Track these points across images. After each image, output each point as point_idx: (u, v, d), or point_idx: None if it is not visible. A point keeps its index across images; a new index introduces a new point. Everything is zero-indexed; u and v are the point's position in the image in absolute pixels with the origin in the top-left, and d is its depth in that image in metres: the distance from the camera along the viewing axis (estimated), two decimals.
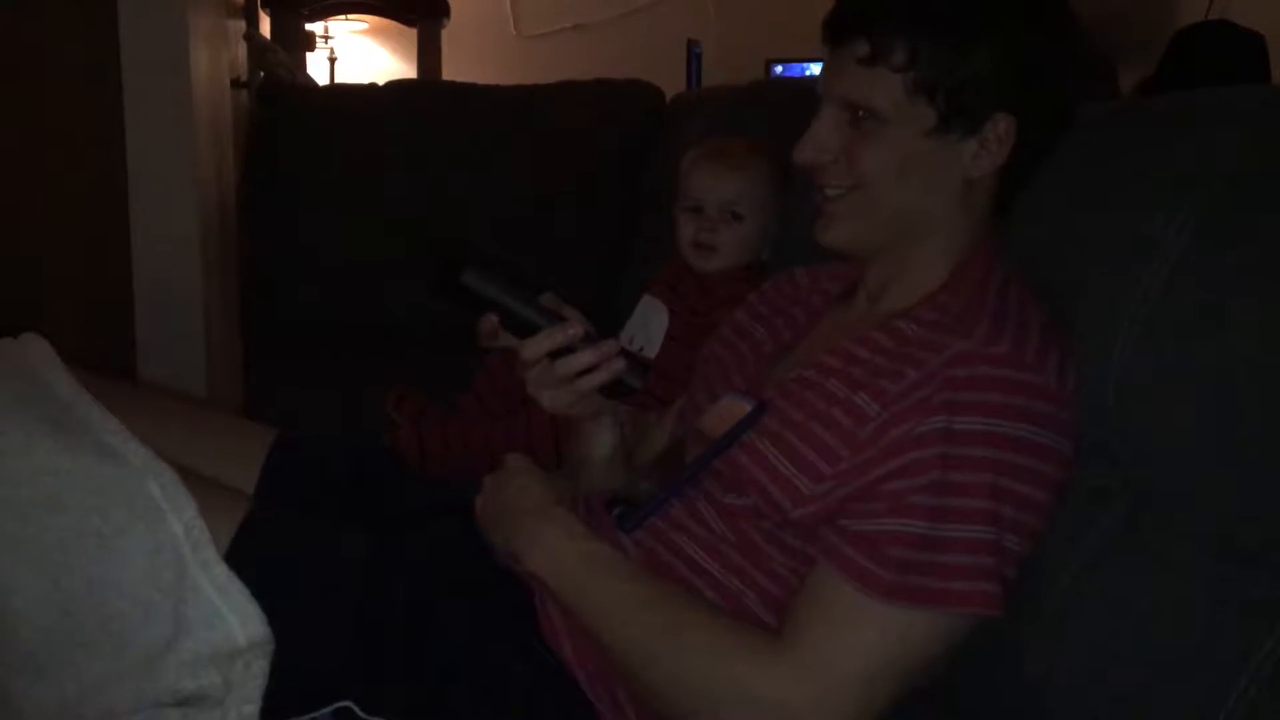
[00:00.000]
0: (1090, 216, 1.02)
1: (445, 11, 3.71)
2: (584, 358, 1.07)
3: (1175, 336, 0.88)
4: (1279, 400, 0.79)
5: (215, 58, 2.41)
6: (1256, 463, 0.80)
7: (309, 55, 3.90)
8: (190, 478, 0.99)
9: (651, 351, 1.66)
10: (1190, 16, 3.29)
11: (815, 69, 3.97)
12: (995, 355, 0.95)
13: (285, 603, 0.98)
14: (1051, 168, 1.09)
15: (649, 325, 1.71)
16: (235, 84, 2.68)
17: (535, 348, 1.07)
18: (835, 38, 1.04)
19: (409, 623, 1.03)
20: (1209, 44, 2.85)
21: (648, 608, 1.01)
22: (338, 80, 4.29)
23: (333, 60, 4.33)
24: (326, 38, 4.27)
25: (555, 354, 1.07)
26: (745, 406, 1.08)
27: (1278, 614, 0.78)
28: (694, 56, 3.68)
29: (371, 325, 2.15)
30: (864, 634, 0.93)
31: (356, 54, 4.48)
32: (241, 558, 0.98)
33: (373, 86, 2.30)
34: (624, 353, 1.09)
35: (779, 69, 4.11)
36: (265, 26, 3.26)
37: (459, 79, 2.71)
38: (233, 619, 0.95)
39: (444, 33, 3.80)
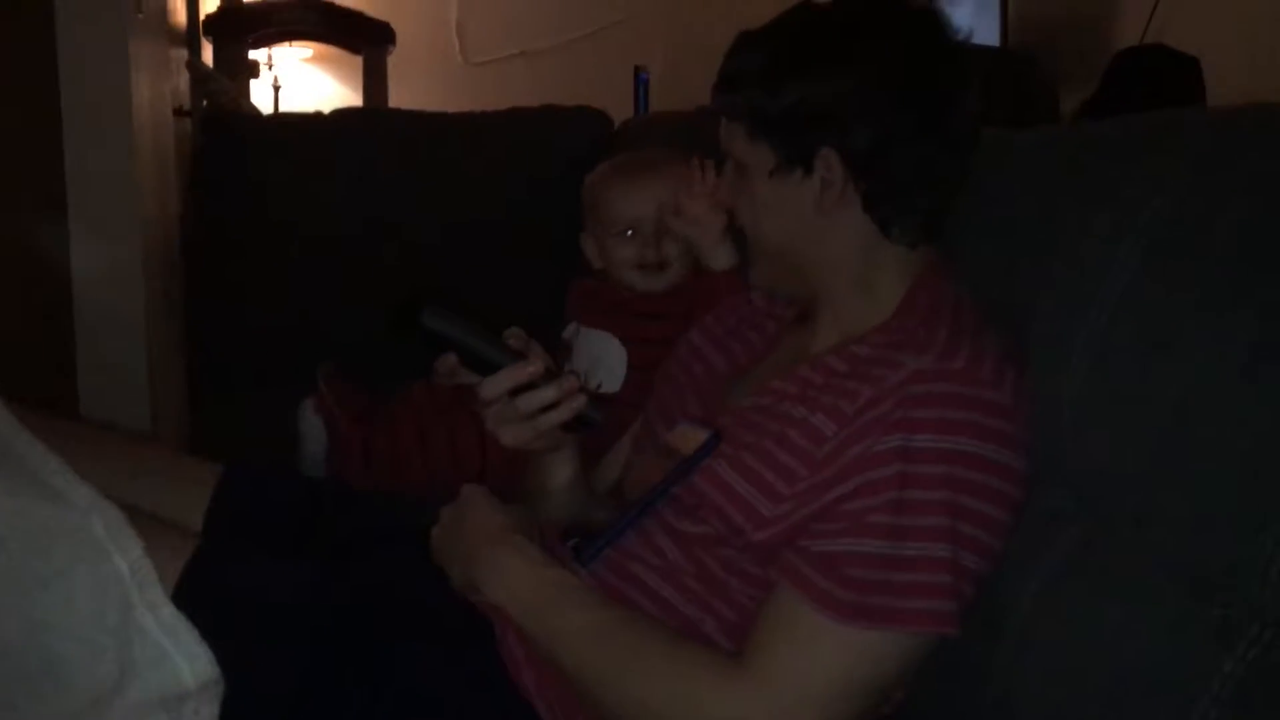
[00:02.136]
0: (1043, 238, 1.02)
1: (391, 38, 3.70)
2: (545, 394, 1.07)
3: (1128, 361, 0.88)
4: (1231, 424, 0.80)
5: (157, 86, 2.39)
6: (1211, 486, 0.81)
7: (252, 83, 3.86)
8: (135, 515, 0.97)
9: (615, 386, 1.60)
10: (1126, 39, 3.36)
11: None
12: (952, 372, 0.95)
13: (236, 643, 0.96)
14: (1003, 190, 1.10)
15: (604, 361, 1.64)
16: (178, 113, 2.66)
17: (494, 386, 1.07)
18: (712, 95, 1.14)
19: (365, 658, 1.01)
20: (1147, 66, 2.92)
21: (609, 634, 1.01)
22: (282, 108, 4.25)
23: (277, 88, 4.29)
24: (270, 65, 4.23)
25: (515, 391, 1.07)
26: (702, 435, 1.08)
27: (1237, 636, 0.79)
28: (641, 83, 3.69)
29: (319, 356, 2.12)
30: (824, 655, 0.93)
31: (301, 81, 4.44)
32: (189, 597, 0.96)
33: (319, 114, 2.28)
34: (584, 389, 1.09)
35: None
36: (208, 54, 3.23)
37: (405, 106, 2.70)
38: (181, 661, 0.93)
39: (389, 60, 3.78)
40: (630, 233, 1.60)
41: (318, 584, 1.05)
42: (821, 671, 0.93)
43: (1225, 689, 0.78)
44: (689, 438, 1.09)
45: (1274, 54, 3.02)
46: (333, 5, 3.66)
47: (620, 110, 2.36)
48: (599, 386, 1.61)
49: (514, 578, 1.04)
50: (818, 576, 0.94)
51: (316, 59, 4.40)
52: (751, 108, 1.08)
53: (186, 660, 0.93)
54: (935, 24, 1.07)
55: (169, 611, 0.94)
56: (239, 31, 3.31)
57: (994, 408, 0.96)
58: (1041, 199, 1.05)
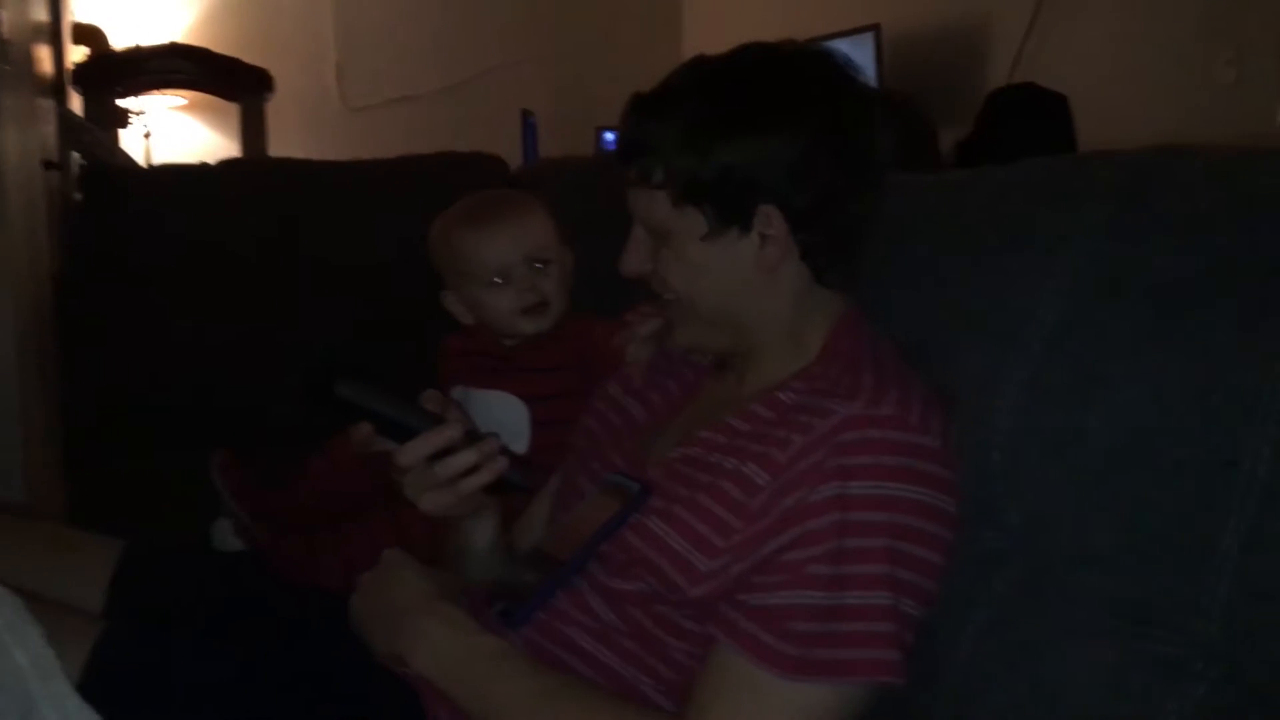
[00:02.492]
0: (964, 282, 1.04)
1: (269, 85, 3.63)
2: (465, 459, 1.04)
3: (1059, 399, 0.89)
4: (1163, 460, 0.81)
5: (25, 138, 2.28)
6: (1148, 524, 0.82)
7: (121, 132, 3.74)
8: (32, 602, 0.91)
9: (522, 447, 1.53)
10: (996, 79, 3.48)
11: None
12: (882, 418, 0.95)
13: None
14: (919, 234, 1.11)
15: (506, 423, 1.54)
16: (47, 165, 2.55)
17: (412, 454, 1.03)
18: (618, 163, 1.09)
19: None
20: (1020, 105, 3.02)
21: (544, 701, 0.98)
22: (154, 159, 4.13)
23: (147, 136, 4.17)
24: (140, 113, 4.11)
25: (434, 456, 1.03)
26: (629, 489, 1.06)
27: (1180, 672, 0.80)
28: (529, 126, 3.69)
29: (209, 419, 2.04)
30: (770, 712, 0.92)
31: (174, 130, 4.32)
32: (96, 687, 0.90)
33: (205, 166, 2.21)
34: (505, 450, 1.06)
35: (610, 136, 4.15)
36: (76, 104, 3.12)
37: (284, 154, 2.64)
38: None
39: (268, 106, 3.71)
40: (501, 280, 1.54)
41: (234, 666, 1.01)
42: None
43: None
44: (616, 492, 1.07)
45: (1135, 90, 3.17)
46: (208, 53, 3.59)
47: (506, 154, 2.34)
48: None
49: (442, 647, 1.01)
50: (758, 630, 0.92)
51: (190, 107, 4.29)
52: (677, 175, 1.03)
53: None
54: (846, 70, 1.07)
55: (74, 704, 0.88)
56: (109, 81, 3.21)
57: (924, 452, 0.96)
58: (960, 242, 1.06)
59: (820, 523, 0.93)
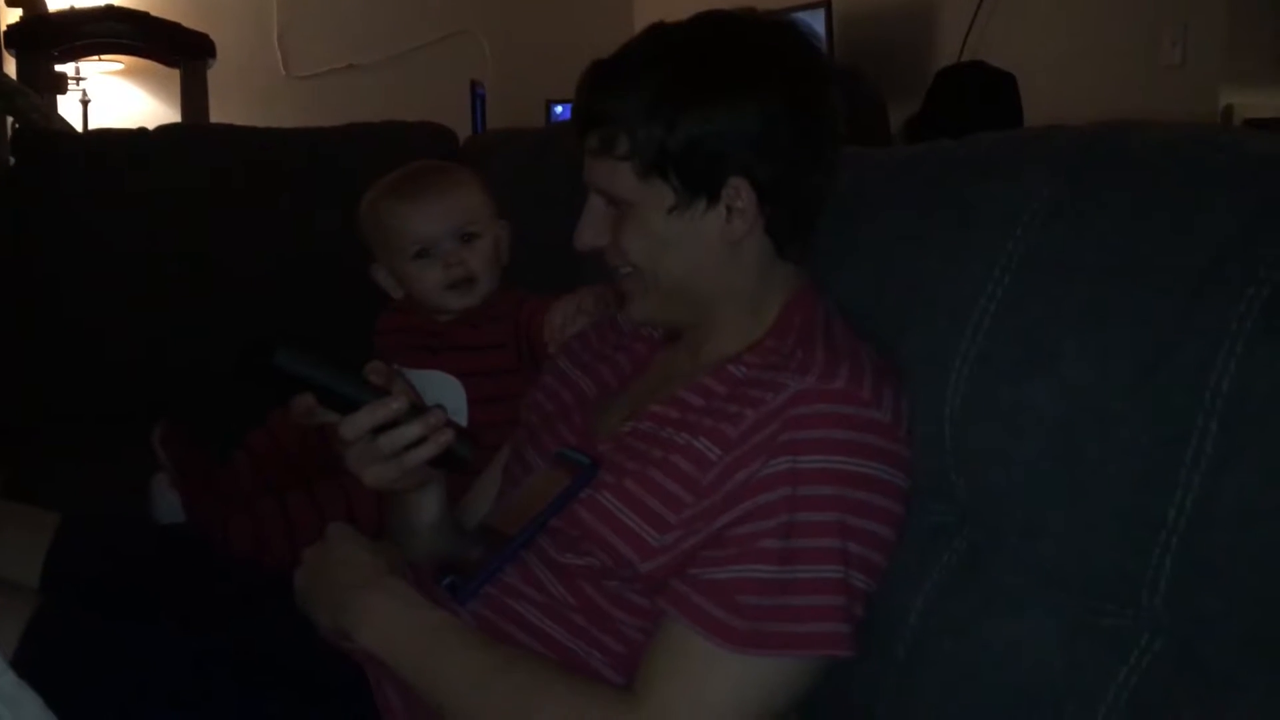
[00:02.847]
0: (914, 256, 1.03)
1: (211, 51, 3.55)
2: (410, 431, 1.02)
3: (1007, 373, 0.90)
4: (1112, 434, 0.82)
5: None
6: (1097, 498, 0.82)
7: (59, 98, 3.65)
8: None
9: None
10: (945, 57, 3.50)
11: None
12: (833, 392, 0.95)
13: (85, 711, 0.88)
14: (870, 208, 1.11)
15: (442, 402, 1.53)
16: None
17: (355, 425, 1.01)
18: (575, 133, 1.06)
19: None
20: (968, 83, 3.05)
21: (494, 675, 0.97)
22: (92, 125, 4.03)
23: (85, 103, 4.08)
24: (78, 79, 4.01)
25: (378, 429, 1.01)
26: (578, 463, 1.05)
27: (1129, 643, 0.80)
28: (478, 98, 3.65)
29: (147, 386, 2.00)
30: (719, 685, 0.92)
31: (112, 96, 4.23)
32: (32, 662, 0.88)
33: (143, 131, 2.16)
34: (451, 423, 1.04)
35: (559, 109, 4.12)
36: (10, 68, 3.03)
37: (226, 121, 2.59)
38: None
39: (209, 74, 3.63)
40: (427, 253, 1.52)
41: (175, 642, 0.98)
42: (716, 702, 0.91)
43: (1121, 697, 0.79)
44: (566, 466, 1.06)
45: (1082, 70, 3.20)
46: (147, 16, 3.50)
47: (454, 125, 2.31)
48: None
49: (389, 622, 0.99)
50: (709, 605, 0.92)
51: (129, 73, 4.20)
52: (643, 145, 1.01)
53: None
54: (808, 41, 1.07)
55: (9, 680, 0.87)
56: (44, 44, 3.12)
57: (875, 426, 0.96)
58: (911, 217, 1.06)
59: (771, 497, 0.93)
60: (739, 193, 1.01)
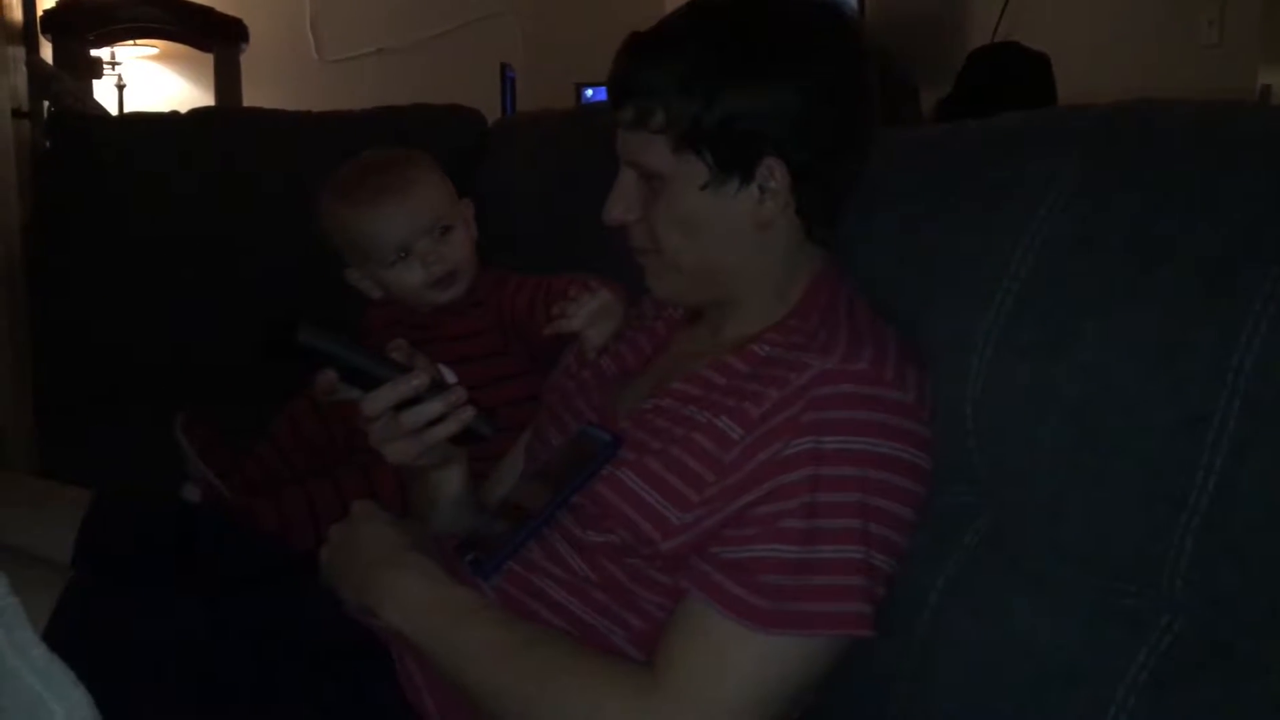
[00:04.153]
0: (938, 237, 1.03)
1: (244, 36, 3.57)
2: (431, 408, 1.03)
3: (1031, 354, 0.89)
4: (1135, 415, 0.81)
5: None
6: (1118, 480, 0.82)
7: (95, 83, 3.69)
8: None
9: None
10: (979, 38, 3.47)
11: None
12: (857, 373, 0.95)
13: (115, 684, 0.89)
14: (894, 188, 1.10)
15: None
16: (16, 114, 2.50)
17: (377, 402, 1.02)
18: (611, 105, 1.05)
19: (255, 695, 0.96)
20: (1001, 65, 3.01)
21: (515, 653, 0.97)
22: (127, 109, 4.07)
23: (121, 87, 4.11)
24: (114, 64, 4.04)
25: (400, 406, 1.02)
26: (601, 439, 1.05)
27: (1149, 624, 0.80)
28: (508, 81, 3.65)
29: (181, 371, 2.02)
30: (741, 664, 0.92)
31: (147, 81, 4.26)
32: (63, 636, 0.90)
33: (175, 115, 2.18)
34: (472, 400, 1.05)
35: (589, 93, 4.12)
36: (47, 52, 3.06)
37: (259, 105, 2.60)
38: (56, 706, 0.87)
39: (242, 58, 3.65)
40: (404, 256, 1.50)
41: (202, 616, 1.00)
42: (736, 681, 0.91)
43: (1141, 678, 0.79)
44: (588, 443, 1.06)
45: (1117, 50, 3.16)
46: (181, 1, 3.52)
47: (484, 108, 2.32)
48: None
49: (412, 599, 1.00)
50: (731, 584, 0.92)
51: (163, 57, 4.23)
52: (679, 119, 1.00)
53: (62, 705, 0.87)
54: (849, 21, 1.06)
55: (41, 653, 0.88)
56: (80, 29, 3.15)
57: (899, 407, 0.96)
58: (935, 197, 1.05)
59: (794, 476, 0.93)
60: (773, 173, 1.01)
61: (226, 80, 3.57)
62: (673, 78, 1.00)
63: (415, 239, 1.49)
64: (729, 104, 0.98)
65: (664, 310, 1.23)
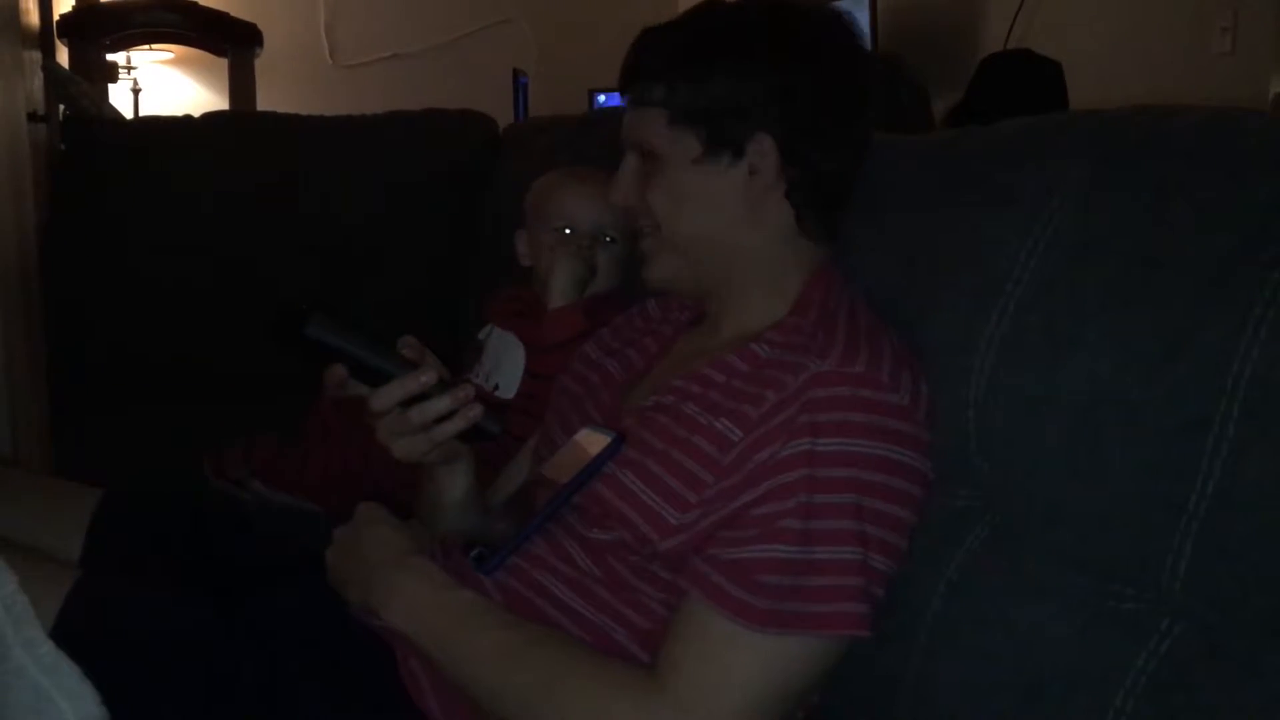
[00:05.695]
0: (941, 241, 1.03)
1: (258, 41, 3.59)
2: (438, 405, 1.04)
3: (1032, 358, 0.89)
4: (1135, 419, 0.81)
5: (10, 90, 2.26)
6: (1118, 483, 0.82)
7: (111, 87, 3.71)
8: (7, 548, 0.91)
9: (509, 391, 1.58)
10: (991, 45, 3.46)
11: None
12: (853, 376, 0.96)
13: (122, 681, 0.90)
14: (898, 192, 1.11)
15: (503, 363, 1.63)
16: (33, 118, 2.52)
17: (385, 398, 1.03)
18: (621, 87, 1.13)
19: (261, 694, 0.96)
20: (1013, 71, 3.01)
21: (518, 656, 0.98)
22: (142, 113, 4.09)
23: (137, 92, 4.14)
24: (129, 68, 4.07)
25: (407, 402, 1.03)
26: (604, 439, 1.06)
27: (1149, 629, 0.80)
28: (521, 86, 3.66)
29: (194, 372, 2.04)
30: (741, 665, 0.92)
31: (162, 85, 4.29)
32: (70, 633, 0.90)
33: (189, 118, 2.19)
34: (480, 398, 1.05)
35: (602, 98, 4.13)
36: (63, 56, 3.09)
37: (273, 109, 2.62)
38: (63, 702, 0.88)
39: (256, 63, 3.67)
40: (568, 231, 1.62)
41: (208, 615, 1.00)
42: (737, 681, 0.92)
43: (1139, 682, 0.79)
44: (591, 442, 1.07)
45: (1130, 58, 3.15)
46: (196, 5, 3.54)
47: (496, 114, 2.33)
48: (496, 388, 1.58)
49: (415, 602, 1.00)
50: (729, 585, 0.93)
51: (178, 62, 4.26)
52: (675, 93, 1.06)
53: (69, 701, 0.88)
54: (849, 27, 1.12)
55: (48, 650, 0.89)
56: (96, 33, 3.17)
57: (893, 409, 0.96)
58: (940, 201, 1.06)
59: (790, 477, 0.93)
60: (762, 149, 1.06)
61: (241, 85, 3.59)
62: (672, 55, 1.07)
63: (584, 225, 1.61)
64: (722, 80, 1.05)
65: (670, 314, 1.24)
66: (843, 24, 1.11)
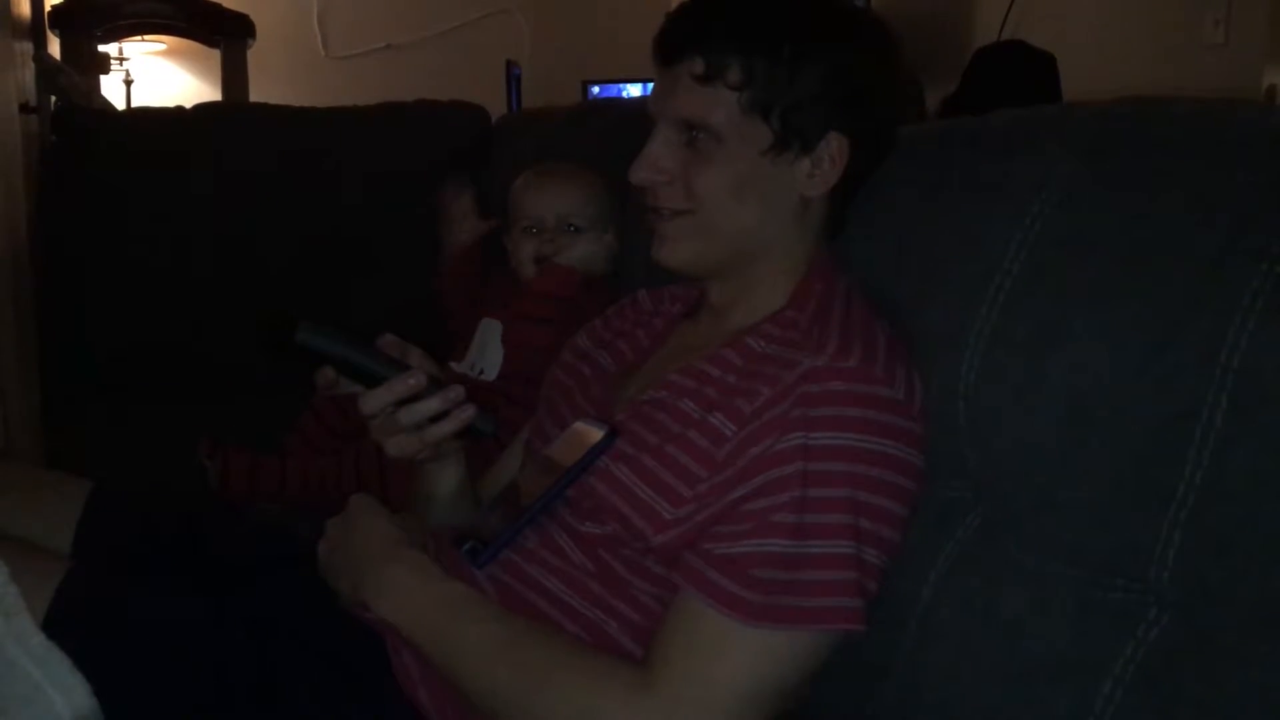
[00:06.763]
0: (931, 232, 1.03)
1: (251, 32, 3.57)
2: (430, 405, 1.04)
3: (1022, 350, 0.90)
4: (1124, 410, 0.82)
5: (1, 81, 2.25)
6: (1107, 474, 0.82)
7: (103, 78, 3.70)
8: None
9: (493, 371, 1.67)
10: (985, 37, 3.46)
11: (632, 90, 4.01)
12: (847, 370, 0.95)
13: (114, 673, 0.90)
14: (890, 185, 1.11)
15: (487, 348, 1.71)
16: (24, 109, 2.51)
17: (376, 401, 1.03)
18: (669, 56, 1.04)
19: (253, 686, 0.96)
20: (1006, 64, 3.00)
21: (509, 649, 0.97)
22: (134, 104, 4.08)
23: (129, 83, 4.12)
24: (121, 59, 4.05)
25: (399, 403, 1.03)
26: (597, 432, 1.06)
27: (1137, 619, 0.81)
28: (514, 78, 3.65)
29: (186, 365, 2.04)
30: (734, 660, 0.92)
31: (154, 77, 4.27)
32: (62, 625, 0.90)
33: (180, 109, 2.19)
34: (470, 395, 1.06)
35: (595, 90, 4.12)
36: (55, 47, 3.07)
37: (266, 101, 2.61)
38: (54, 694, 0.88)
39: (249, 54, 3.66)
40: (531, 228, 1.71)
41: (199, 608, 1.00)
42: (728, 675, 0.92)
43: (1127, 671, 0.80)
44: (584, 435, 1.07)
45: (1124, 49, 3.15)
46: None
47: (489, 105, 2.33)
48: (481, 373, 1.63)
49: (407, 595, 1.00)
50: (722, 579, 0.92)
51: (170, 53, 4.24)
52: (754, 78, 0.99)
53: (61, 693, 0.88)
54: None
55: (39, 641, 0.89)
56: (88, 24, 3.16)
57: (887, 404, 0.96)
58: (930, 194, 1.06)
59: (784, 472, 0.93)
60: (831, 147, 1.02)
61: (233, 76, 3.58)
62: (758, 35, 1.00)
63: (546, 218, 1.70)
64: (817, 75, 1.00)
65: (661, 305, 1.24)
66: (873, 16, 1.09)
